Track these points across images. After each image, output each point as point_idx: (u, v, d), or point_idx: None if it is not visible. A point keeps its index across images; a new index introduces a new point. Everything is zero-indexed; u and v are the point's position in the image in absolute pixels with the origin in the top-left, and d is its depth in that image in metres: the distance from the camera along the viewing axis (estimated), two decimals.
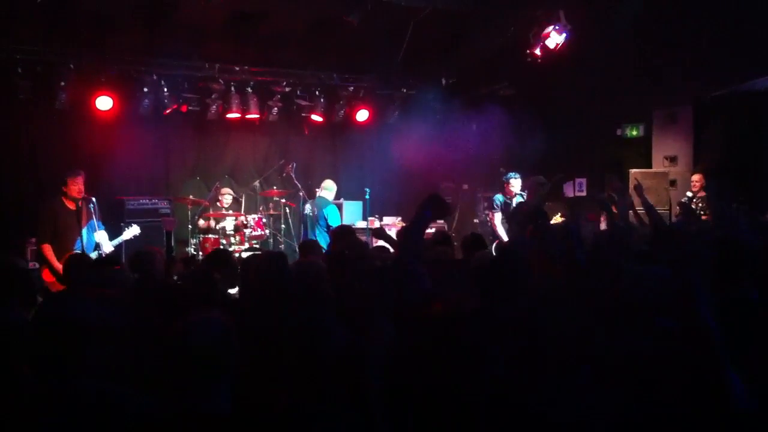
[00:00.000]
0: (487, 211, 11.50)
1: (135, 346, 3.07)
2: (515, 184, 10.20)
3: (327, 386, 2.69)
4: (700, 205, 10.14)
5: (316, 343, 2.81)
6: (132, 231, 8.51)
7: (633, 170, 10.89)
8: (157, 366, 2.87)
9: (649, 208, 6.62)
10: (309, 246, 6.67)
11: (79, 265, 4.83)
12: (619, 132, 11.75)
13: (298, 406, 2.64)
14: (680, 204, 6.87)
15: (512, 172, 10.33)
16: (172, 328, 2.66)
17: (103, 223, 8.11)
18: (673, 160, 11.06)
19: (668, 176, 10.87)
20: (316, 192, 12.45)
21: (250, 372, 2.89)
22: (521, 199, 10.03)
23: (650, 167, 11.19)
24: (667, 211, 10.50)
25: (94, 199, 7.85)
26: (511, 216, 9.63)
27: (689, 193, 10.13)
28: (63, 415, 2.57)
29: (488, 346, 3.07)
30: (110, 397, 2.64)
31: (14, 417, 2.63)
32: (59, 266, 7.49)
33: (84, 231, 7.84)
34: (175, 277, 5.00)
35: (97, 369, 2.76)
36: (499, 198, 10.26)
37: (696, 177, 10.34)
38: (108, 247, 8.07)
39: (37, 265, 8.11)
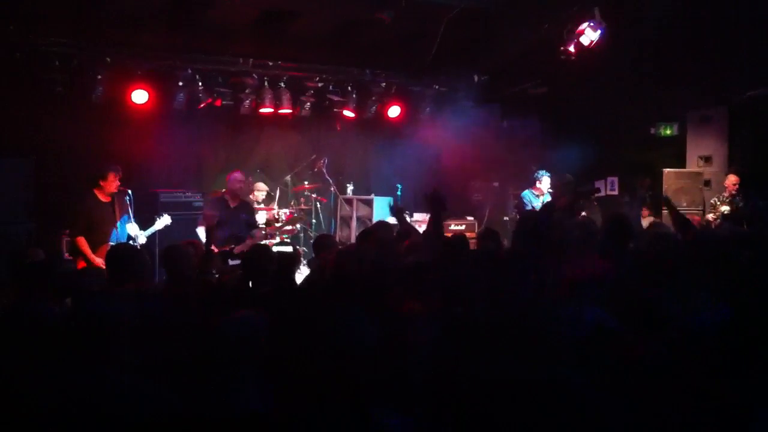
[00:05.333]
0: (515, 210, 11.46)
1: (169, 341, 3.12)
2: (545, 182, 10.22)
3: (357, 384, 2.70)
4: (737, 206, 10.02)
5: (346, 340, 2.82)
6: (163, 221, 8.51)
7: (667, 170, 10.80)
8: (191, 362, 2.91)
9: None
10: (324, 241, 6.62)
11: (119, 257, 4.88)
12: (652, 131, 11.64)
13: (327, 404, 2.66)
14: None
15: (543, 170, 10.33)
16: (207, 325, 2.70)
17: (137, 216, 8.15)
18: (707, 160, 10.93)
19: (702, 176, 10.75)
20: (347, 188, 12.52)
21: (283, 369, 2.92)
22: (549, 198, 10.03)
23: (684, 167, 11.07)
24: (701, 211, 10.42)
25: (130, 191, 7.93)
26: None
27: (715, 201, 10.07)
28: (93, 408, 2.62)
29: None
30: (141, 392, 2.68)
31: (45, 408, 2.68)
32: (93, 258, 7.59)
33: (118, 223, 7.94)
34: (214, 271, 5.04)
35: (130, 363, 2.82)
36: (527, 195, 10.27)
37: (733, 178, 10.13)
38: (142, 238, 8.14)
39: (72, 258, 8.18)
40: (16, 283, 4.28)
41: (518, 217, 10.18)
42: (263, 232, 9.91)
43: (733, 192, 10.06)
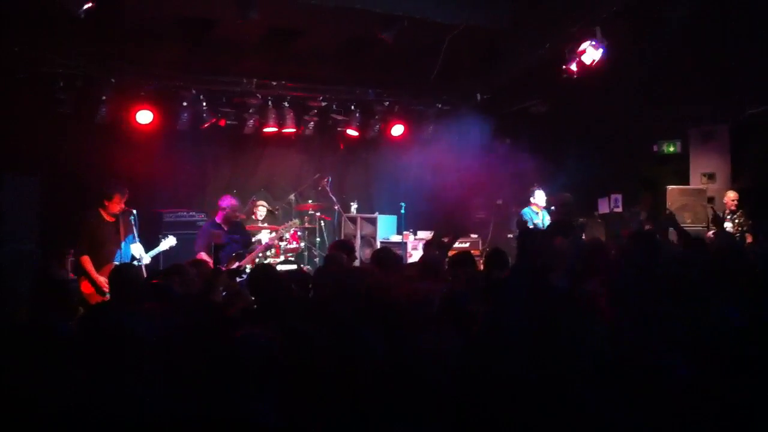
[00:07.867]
0: (517, 227, 11.48)
1: (178, 356, 3.13)
2: (539, 196, 10.33)
3: (365, 396, 2.71)
4: (737, 221, 10.07)
5: (353, 353, 2.83)
6: (168, 242, 8.53)
7: (670, 187, 10.83)
8: (204, 376, 2.92)
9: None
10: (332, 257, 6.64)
11: (125, 276, 4.91)
12: (655, 149, 11.67)
13: (339, 415, 2.67)
14: None
15: (536, 186, 10.46)
16: (221, 342, 2.71)
17: (141, 236, 8.13)
18: (711, 177, 10.98)
19: (706, 193, 10.78)
20: (351, 206, 12.53)
21: (294, 384, 2.93)
22: (547, 214, 10.18)
23: (687, 184, 11.10)
24: (705, 228, 10.43)
25: (134, 211, 7.92)
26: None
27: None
28: (110, 419, 2.63)
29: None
30: (155, 404, 2.69)
31: (62, 418, 2.69)
32: (97, 277, 7.57)
33: (122, 243, 7.94)
34: (221, 289, 5.05)
35: (141, 376, 2.83)
36: (527, 212, 10.32)
37: (732, 194, 10.24)
38: (146, 258, 8.13)
39: (76, 277, 8.15)
40: (35, 298, 4.31)
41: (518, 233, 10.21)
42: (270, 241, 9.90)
43: (733, 208, 10.15)
